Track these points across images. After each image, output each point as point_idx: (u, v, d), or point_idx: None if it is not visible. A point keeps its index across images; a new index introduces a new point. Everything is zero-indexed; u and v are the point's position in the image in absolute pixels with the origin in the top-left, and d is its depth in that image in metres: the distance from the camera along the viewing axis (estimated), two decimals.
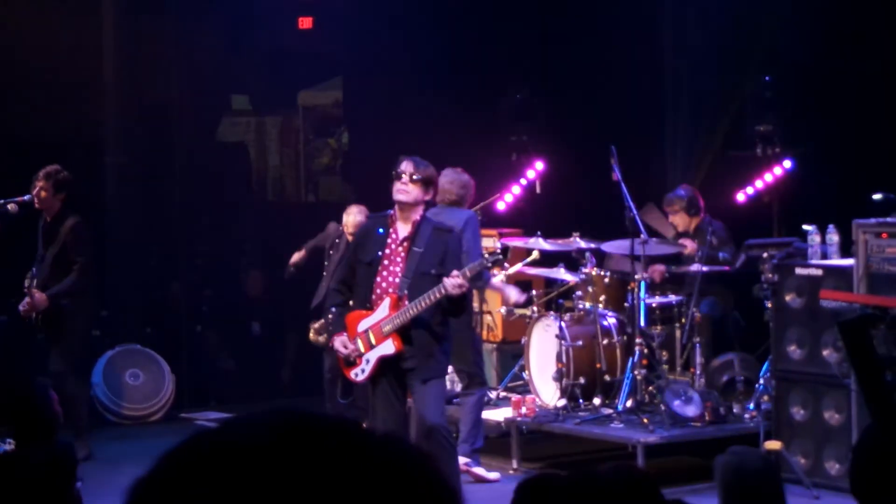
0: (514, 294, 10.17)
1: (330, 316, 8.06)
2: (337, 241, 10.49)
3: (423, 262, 7.49)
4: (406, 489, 1.28)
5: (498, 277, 10.20)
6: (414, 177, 7.52)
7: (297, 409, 1.35)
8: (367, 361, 7.60)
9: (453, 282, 7.26)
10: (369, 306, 7.58)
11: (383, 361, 7.55)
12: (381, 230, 7.62)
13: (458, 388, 9.61)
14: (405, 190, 7.53)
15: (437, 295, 7.32)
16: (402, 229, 7.58)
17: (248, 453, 1.27)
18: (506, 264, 8.74)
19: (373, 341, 7.54)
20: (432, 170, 7.66)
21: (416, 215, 7.58)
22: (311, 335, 10.38)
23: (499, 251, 7.58)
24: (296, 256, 10.94)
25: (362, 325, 7.58)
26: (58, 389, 9.65)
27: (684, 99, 12.27)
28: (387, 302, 7.50)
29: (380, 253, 7.57)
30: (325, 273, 10.51)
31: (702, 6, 12.07)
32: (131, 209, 12.91)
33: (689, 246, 10.37)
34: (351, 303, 7.72)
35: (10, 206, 10.05)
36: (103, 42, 12.65)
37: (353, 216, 10.31)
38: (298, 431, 1.30)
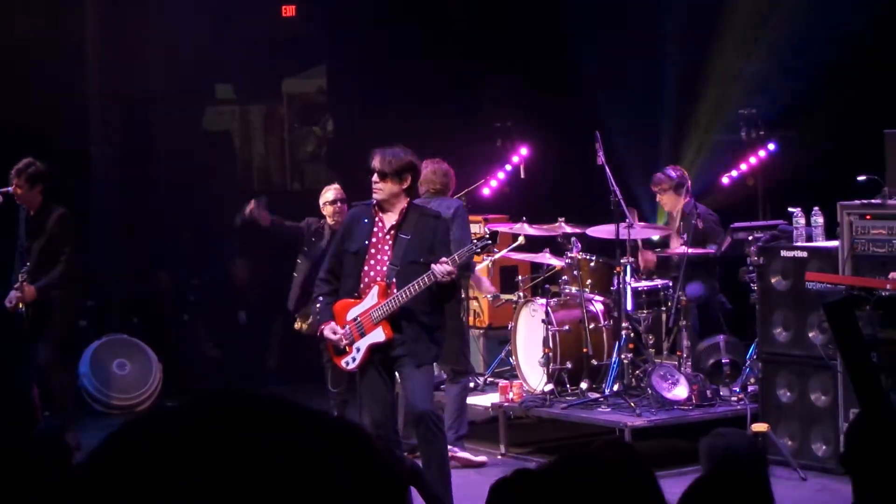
0: (486, 286, 10.47)
1: (317, 306, 8.01)
2: (313, 239, 10.28)
3: (411, 250, 7.46)
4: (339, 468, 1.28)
5: (483, 265, 10.22)
6: (384, 171, 7.48)
7: (233, 394, 1.35)
8: (358, 350, 7.58)
9: (442, 269, 7.24)
10: (357, 295, 7.56)
11: (373, 349, 7.55)
12: (366, 219, 7.59)
13: (444, 374, 9.62)
14: (378, 188, 7.50)
15: (427, 282, 7.30)
16: (389, 218, 7.56)
17: (167, 439, 1.28)
18: (494, 249, 8.74)
19: (363, 330, 7.53)
20: (403, 156, 7.50)
21: (402, 204, 7.55)
22: (297, 324, 10.31)
23: (487, 237, 7.55)
24: (256, 211, 10.31)
25: (351, 314, 7.56)
26: (45, 381, 9.65)
27: (668, 83, 12.26)
28: (375, 290, 7.48)
29: (366, 242, 7.54)
30: (295, 274, 10.29)
31: None
32: (116, 199, 12.88)
33: (676, 246, 10.31)
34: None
35: None
36: (86, 32, 12.61)
37: (333, 192, 10.24)
38: (221, 415, 1.31)
